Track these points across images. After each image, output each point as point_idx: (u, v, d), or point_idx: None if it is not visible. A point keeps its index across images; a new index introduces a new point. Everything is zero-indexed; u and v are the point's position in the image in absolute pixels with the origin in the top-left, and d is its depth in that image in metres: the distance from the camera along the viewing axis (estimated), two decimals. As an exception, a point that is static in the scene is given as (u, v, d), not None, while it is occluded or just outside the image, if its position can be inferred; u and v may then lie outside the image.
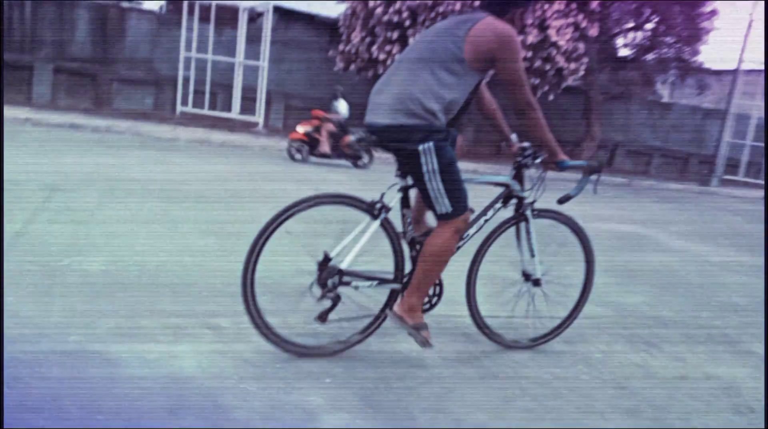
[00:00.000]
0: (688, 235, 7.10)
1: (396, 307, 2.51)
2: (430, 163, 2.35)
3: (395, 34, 12.48)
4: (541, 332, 2.97)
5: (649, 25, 14.82)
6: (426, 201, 2.47)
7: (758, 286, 4.83)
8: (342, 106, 10.68)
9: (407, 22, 12.25)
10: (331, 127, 10.17)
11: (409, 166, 2.44)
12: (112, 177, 5.94)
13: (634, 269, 4.89)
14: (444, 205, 2.42)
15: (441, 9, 11.88)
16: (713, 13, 14.90)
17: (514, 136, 2.85)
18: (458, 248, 2.61)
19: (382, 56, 12.75)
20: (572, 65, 13.31)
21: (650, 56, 15.25)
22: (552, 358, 2.84)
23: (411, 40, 12.32)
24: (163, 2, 15.85)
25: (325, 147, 10.14)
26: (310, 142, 10.20)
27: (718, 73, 17.20)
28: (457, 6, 11.84)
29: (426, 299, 2.65)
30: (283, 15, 15.95)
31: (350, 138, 9.48)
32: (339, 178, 8.55)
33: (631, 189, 13.98)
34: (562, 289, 3.04)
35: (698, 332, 3.47)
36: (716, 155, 15.37)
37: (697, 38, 14.74)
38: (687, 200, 12.56)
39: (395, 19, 12.28)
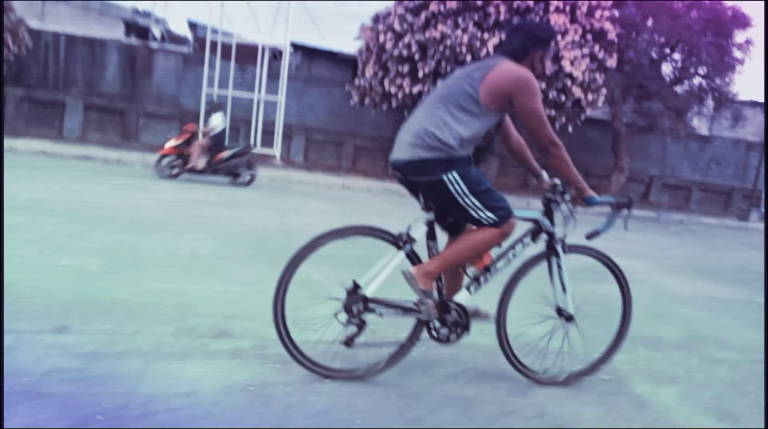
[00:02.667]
0: (680, 268, 6.87)
1: (413, 268, 2.65)
2: (458, 187, 2.55)
3: (406, 68, 12.76)
4: (576, 369, 3.01)
5: (676, 56, 14.55)
6: (468, 220, 2.65)
7: (714, 322, 4.64)
8: (217, 120, 10.08)
9: (417, 56, 12.53)
10: (203, 141, 9.73)
11: (437, 196, 2.63)
12: (54, 200, 6.34)
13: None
14: (488, 217, 2.59)
15: (449, 42, 12.10)
16: (747, 42, 14.52)
17: (544, 173, 2.98)
18: (486, 281, 2.79)
19: (393, 89, 13.03)
20: (590, 96, 13.20)
21: (680, 87, 14.91)
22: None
23: (420, 74, 12.60)
24: (188, 45, 16.76)
25: (196, 162, 9.64)
26: (182, 158, 9.70)
27: (756, 104, 16.59)
28: (465, 39, 12.04)
29: (454, 322, 2.74)
30: (306, 53, 16.60)
31: (225, 153, 9.70)
32: (199, 196, 8.32)
33: (659, 223, 13.57)
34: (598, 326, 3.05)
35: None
36: (754, 189, 14.72)
37: (730, 68, 14.34)
38: (715, 235, 12.08)
39: (405, 53, 12.58)
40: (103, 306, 3.19)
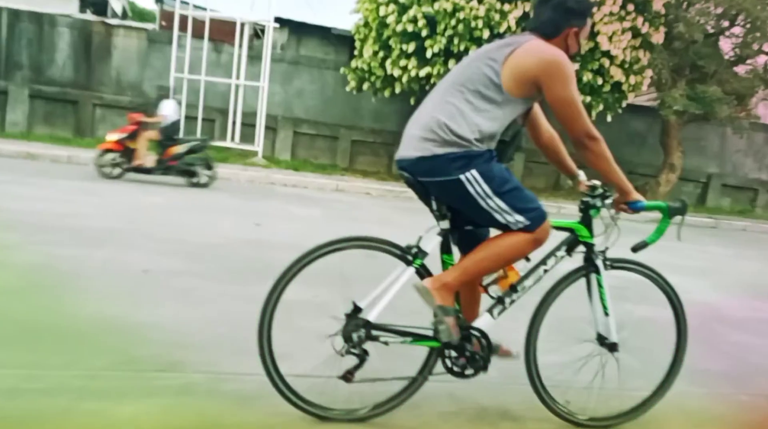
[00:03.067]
0: (737, 286, 6.83)
1: (425, 282, 2.57)
2: (479, 188, 2.47)
3: (411, 47, 12.77)
4: (620, 409, 2.96)
5: (736, 30, 14.50)
6: (495, 226, 2.59)
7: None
8: (169, 108, 9.96)
9: (424, 32, 12.53)
10: (152, 134, 9.57)
11: (455, 199, 2.58)
12: None
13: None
14: (517, 221, 2.52)
15: (462, 15, 12.10)
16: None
17: (582, 174, 2.91)
18: (512, 302, 2.70)
19: (396, 72, 13.04)
20: (633, 79, 13.17)
21: (741, 68, 14.86)
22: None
23: (429, 53, 12.61)
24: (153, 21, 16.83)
25: (143, 159, 9.46)
26: (126, 154, 9.44)
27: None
28: (481, 11, 12.04)
29: (474, 353, 2.68)
30: (294, 29, 16.64)
31: (178, 149, 9.61)
32: (161, 200, 8.30)
33: (718, 231, 13.50)
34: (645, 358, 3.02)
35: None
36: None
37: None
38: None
39: (410, 28, 12.59)
40: (28, 333, 3.17)
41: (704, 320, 5.15)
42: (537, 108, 2.80)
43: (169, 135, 9.74)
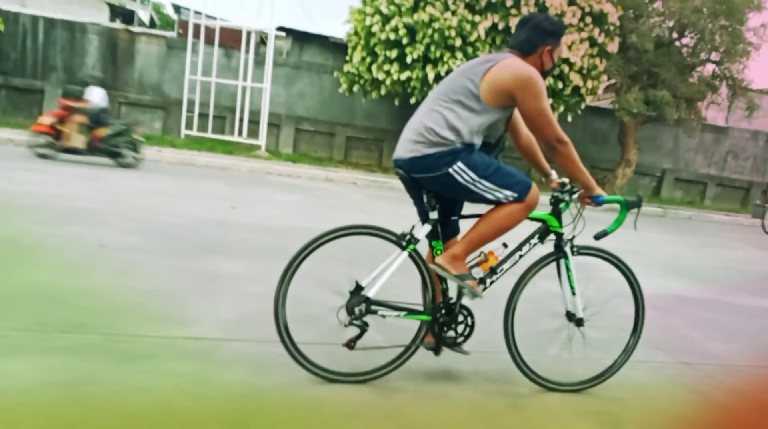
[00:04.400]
0: (658, 266, 6.66)
1: (438, 258, 2.69)
2: (467, 176, 2.58)
3: (394, 53, 12.59)
4: (588, 375, 3.03)
5: (685, 41, 14.18)
6: (488, 203, 2.67)
7: (661, 321, 4.45)
8: (96, 95, 9.67)
9: (405, 40, 12.35)
10: (80, 118, 9.31)
11: (448, 190, 2.67)
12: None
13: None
14: (506, 196, 2.62)
15: (437, 25, 11.90)
16: (763, 26, 14.12)
17: (554, 173, 3.01)
18: (492, 282, 2.80)
19: (381, 76, 12.87)
20: (590, 84, 12.93)
21: (690, 76, 14.55)
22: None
23: (409, 59, 12.42)
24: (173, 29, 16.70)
25: (73, 141, 9.24)
26: (57, 136, 9.22)
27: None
28: (453, 22, 11.84)
29: (462, 327, 2.84)
30: (297, 38, 16.49)
31: (105, 131, 9.44)
32: (155, 187, 8.42)
33: (666, 220, 13.29)
34: (608, 330, 3.09)
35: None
36: (770, 184, 14.32)
37: (744, 54, 13.95)
38: (720, 233, 11.77)
39: (393, 37, 12.40)
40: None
41: (608, 296, 5.03)
42: (517, 115, 2.87)
43: (95, 119, 9.38)
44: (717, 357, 3.85)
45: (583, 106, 13.50)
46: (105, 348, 2.69)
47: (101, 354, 2.63)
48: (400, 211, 8.30)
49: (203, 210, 6.61)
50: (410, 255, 2.70)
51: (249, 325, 3.21)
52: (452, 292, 2.83)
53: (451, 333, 2.84)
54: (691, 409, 3.02)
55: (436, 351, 2.88)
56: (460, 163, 2.55)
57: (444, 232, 2.83)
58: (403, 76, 12.68)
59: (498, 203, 2.64)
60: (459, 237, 2.90)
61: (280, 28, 15.68)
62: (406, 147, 2.63)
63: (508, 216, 2.63)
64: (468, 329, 2.85)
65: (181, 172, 10.11)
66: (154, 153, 11.80)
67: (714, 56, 14.36)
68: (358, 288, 2.64)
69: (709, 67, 14.72)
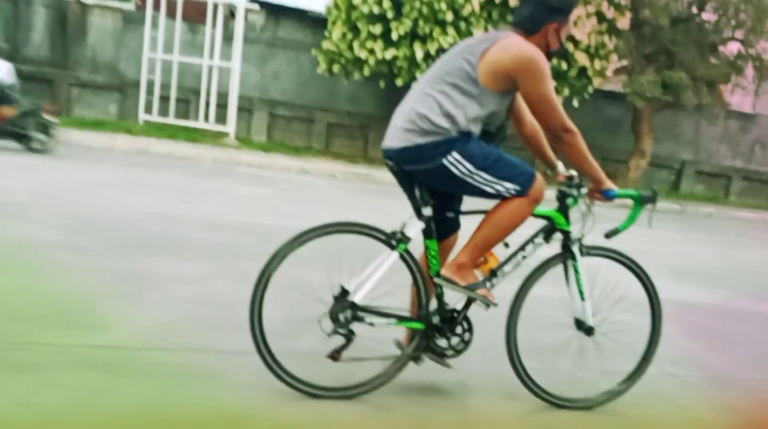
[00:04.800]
0: (664, 267, 6.61)
1: (443, 270, 2.69)
2: (463, 168, 2.57)
3: (378, 29, 12.54)
4: (598, 391, 3.02)
5: (706, 16, 14.16)
6: (488, 197, 2.66)
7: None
8: (1, 68, 9.31)
9: (390, 14, 12.31)
10: None
11: (442, 184, 2.67)
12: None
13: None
14: (507, 188, 2.61)
15: (426, -2, 11.87)
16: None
17: (560, 164, 3.00)
18: (492, 287, 2.78)
19: (363, 54, 12.83)
20: (598, 64, 12.92)
21: (713, 56, 14.54)
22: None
23: (395, 35, 12.39)
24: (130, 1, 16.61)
25: None
26: None
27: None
28: (445, -6, 11.81)
29: (456, 340, 2.82)
30: (272, 11, 16.41)
31: (11, 110, 9.27)
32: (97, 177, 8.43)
33: (684, 216, 13.31)
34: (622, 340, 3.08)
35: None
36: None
37: (771, 31, 13.93)
38: (743, 231, 11.83)
39: (376, 10, 12.36)
40: None
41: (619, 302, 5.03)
42: (521, 101, 2.83)
43: (1, 97, 9.04)
44: (710, 369, 3.85)
45: (590, 89, 13.46)
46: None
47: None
48: (380, 206, 8.26)
49: (150, 204, 6.57)
50: (401, 256, 2.69)
51: (171, 332, 3.18)
52: (449, 298, 2.82)
53: (443, 343, 2.82)
54: (669, 426, 3.01)
55: (417, 360, 2.85)
56: (455, 153, 2.55)
57: (441, 229, 2.81)
58: (388, 55, 12.63)
59: (499, 197, 2.64)
60: (460, 238, 2.90)
61: (253, 0, 15.60)
62: (396, 136, 2.63)
63: (513, 213, 2.63)
64: (463, 345, 2.84)
65: (134, 162, 10.05)
66: (106, 140, 11.76)
67: (738, 34, 14.33)
68: (344, 293, 2.63)
69: (733, 46, 14.70)
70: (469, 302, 2.80)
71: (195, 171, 10.08)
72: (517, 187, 2.60)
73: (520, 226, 2.68)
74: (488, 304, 2.71)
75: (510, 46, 2.54)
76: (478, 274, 2.78)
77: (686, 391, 3.42)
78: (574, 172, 2.85)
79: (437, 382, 3.02)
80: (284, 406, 2.60)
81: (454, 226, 2.91)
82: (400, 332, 2.93)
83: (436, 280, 2.71)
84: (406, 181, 2.75)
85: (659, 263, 6.85)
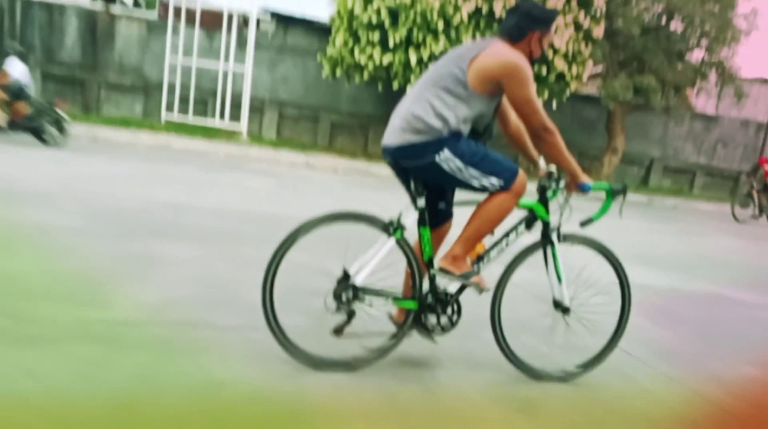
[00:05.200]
0: (626, 253, 6.60)
1: (440, 262, 2.74)
2: (453, 164, 2.61)
3: (376, 36, 12.47)
4: (575, 364, 3.08)
5: (673, 26, 14.04)
6: (475, 191, 2.70)
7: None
8: (16, 67, 9.20)
9: (387, 23, 12.23)
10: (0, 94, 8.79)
11: (435, 178, 2.70)
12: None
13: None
14: (492, 183, 2.65)
15: (419, 8, 11.78)
16: (753, 12, 13.99)
17: (542, 161, 3.04)
18: (479, 270, 2.82)
19: (363, 60, 12.76)
20: (575, 69, 12.82)
21: (679, 62, 14.42)
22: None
23: (391, 43, 12.32)
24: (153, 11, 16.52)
25: None
26: None
27: (766, 81, 16.02)
28: (436, 5, 11.72)
29: (446, 319, 2.86)
30: (281, 21, 16.31)
31: (26, 108, 9.19)
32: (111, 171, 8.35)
33: (650, 208, 13.26)
34: (595, 318, 3.13)
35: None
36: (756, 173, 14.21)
37: (734, 41, 13.83)
38: (703, 221, 11.76)
39: (375, 19, 12.28)
40: None
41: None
42: (506, 103, 2.88)
43: (16, 94, 8.91)
44: (658, 344, 3.83)
45: (568, 92, 13.38)
46: (7, 331, 2.65)
47: (1, 337, 2.59)
48: (376, 198, 8.25)
49: (164, 194, 6.55)
50: (397, 242, 2.73)
51: (170, 308, 3.17)
52: (440, 281, 2.85)
53: (433, 321, 2.86)
54: (617, 396, 3.00)
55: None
56: (446, 151, 2.58)
57: (435, 218, 2.86)
58: (385, 60, 12.56)
59: (485, 191, 2.67)
60: (453, 227, 2.93)
61: (265, 11, 15.51)
62: (393, 134, 2.67)
63: (499, 207, 2.66)
64: (450, 325, 2.88)
65: (154, 157, 10.02)
66: (130, 137, 11.73)
67: (703, 43, 14.22)
68: (346, 276, 2.68)
69: (698, 54, 14.60)
70: (463, 288, 2.83)
71: (209, 165, 10.06)
72: (501, 182, 2.63)
73: (506, 217, 2.73)
74: (481, 290, 2.76)
75: (497, 52, 2.57)
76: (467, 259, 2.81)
77: (635, 365, 3.41)
78: (553, 168, 2.89)
79: (408, 354, 3.01)
80: (265, 375, 2.59)
81: (447, 216, 2.94)
82: (394, 308, 2.96)
83: (433, 271, 2.76)
84: (403, 175, 2.80)
85: (624, 250, 6.77)
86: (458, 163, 2.60)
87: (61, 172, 7.09)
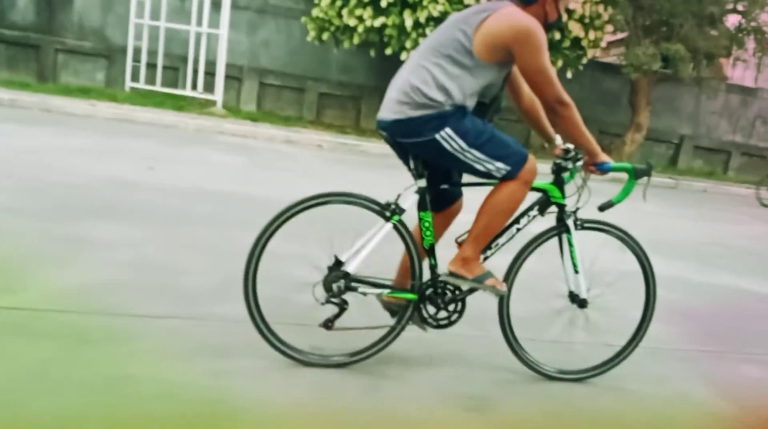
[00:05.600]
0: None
1: (449, 265, 2.74)
2: (455, 144, 2.58)
3: (366, -4, 12.38)
4: (591, 363, 3.11)
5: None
6: (479, 176, 2.70)
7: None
8: None
9: (378, -20, 12.14)
10: None
11: (434, 156, 2.67)
12: None
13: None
14: (499, 168, 2.63)
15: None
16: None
17: (558, 138, 3.00)
18: (486, 259, 2.84)
19: (353, 22, 12.68)
20: (593, 35, 12.72)
21: (713, 28, 14.29)
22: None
23: (384, 2, 12.22)
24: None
25: None
26: None
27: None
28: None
29: (445, 315, 2.86)
30: (263, -23, 16.20)
31: None
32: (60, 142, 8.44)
33: (677, 191, 13.22)
34: (614, 313, 3.22)
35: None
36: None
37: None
38: (733, 207, 11.71)
39: (365, -24, 12.19)
40: None
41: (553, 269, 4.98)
42: (519, 75, 2.85)
43: None
44: (650, 340, 3.80)
45: (584, 60, 13.27)
46: None
47: None
48: (361, 178, 8.24)
49: (113, 169, 6.52)
50: (395, 226, 2.71)
51: (90, 295, 3.18)
52: (442, 270, 2.84)
53: (432, 310, 2.86)
54: (587, 397, 2.99)
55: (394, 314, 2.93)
56: (448, 129, 2.55)
57: (441, 199, 2.85)
58: (377, 23, 12.48)
59: (489, 176, 2.65)
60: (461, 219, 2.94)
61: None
62: (390, 107, 2.64)
63: (508, 199, 2.65)
64: (447, 322, 2.88)
65: (113, 130, 10.01)
66: (88, 108, 11.69)
67: (739, 6, 14.09)
68: (338, 263, 2.67)
69: (734, 19, 14.46)
70: (473, 289, 2.83)
71: (174, 139, 10.02)
72: (508, 168, 2.62)
73: (517, 209, 2.73)
74: (498, 293, 2.76)
75: (507, 16, 2.52)
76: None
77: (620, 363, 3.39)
78: (571, 146, 2.85)
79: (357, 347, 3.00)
80: (183, 371, 2.58)
81: (455, 197, 2.93)
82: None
83: (443, 277, 2.77)
84: (402, 152, 2.77)
85: (637, 236, 6.82)
86: (461, 142, 2.57)
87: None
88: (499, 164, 2.61)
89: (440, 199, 2.86)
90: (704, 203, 11.78)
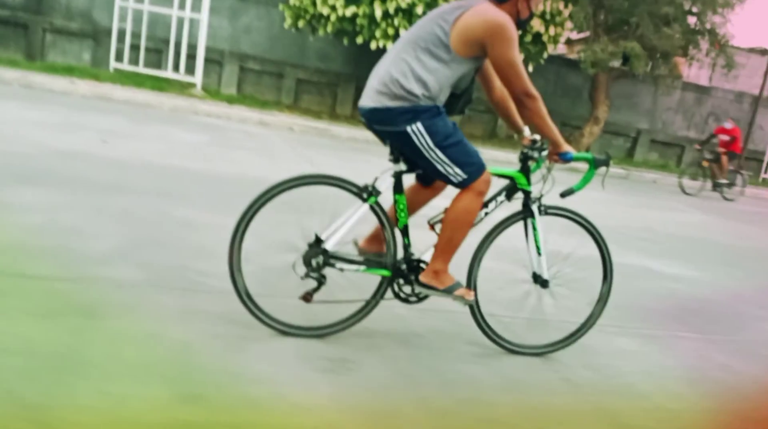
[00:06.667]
0: (569, 227, 6.55)
1: (421, 277, 2.80)
2: (423, 140, 2.62)
3: (339, -15, 12.19)
4: (553, 338, 3.15)
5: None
6: (437, 176, 2.74)
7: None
8: None
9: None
10: None
11: (403, 147, 2.71)
12: None
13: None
14: (456, 174, 2.67)
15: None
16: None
17: (526, 129, 3.05)
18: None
19: (326, 11, 12.50)
20: (553, 30, 12.61)
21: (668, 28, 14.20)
22: None
23: (355, -8, 12.05)
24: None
25: None
26: None
27: (765, 52, 15.82)
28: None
29: (418, 288, 2.88)
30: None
31: None
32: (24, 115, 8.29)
33: (627, 181, 13.21)
34: (575, 292, 3.25)
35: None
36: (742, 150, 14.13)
37: (727, 6, 13.61)
38: (678, 197, 11.69)
39: (337, -34, 12.00)
40: None
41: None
42: (490, 67, 2.86)
43: None
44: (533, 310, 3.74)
45: (545, 55, 13.18)
46: None
47: None
48: (323, 160, 8.08)
49: (68, 142, 6.36)
50: (371, 207, 2.74)
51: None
52: (415, 249, 2.88)
53: (408, 289, 2.89)
54: (440, 357, 2.92)
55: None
56: (419, 124, 2.59)
57: (427, 176, 2.88)
58: (349, 12, 12.31)
59: (446, 179, 2.69)
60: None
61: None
62: (369, 96, 2.67)
63: (465, 210, 2.69)
64: (417, 299, 2.92)
65: (86, 106, 9.82)
66: (67, 85, 11.49)
67: (694, 8, 14.00)
68: (318, 241, 2.69)
69: (692, 20, 14.37)
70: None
71: (146, 117, 9.85)
72: (465, 176, 2.65)
73: (475, 220, 2.78)
74: (466, 303, 2.81)
75: (482, 12, 2.56)
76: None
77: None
78: (537, 137, 2.89)
79: (232, 310, 2.91)
80: (47, 331, 2.49)
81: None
82: (360, 236, 3.01)
83: (417, 289, 2.82)
84: (381, 138, 2.79)
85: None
86: (428, 140, 2.60)
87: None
88: (458, 170, 2.65)
89: (426, 176, 2.91)
90: (650, 193, 11.76)
